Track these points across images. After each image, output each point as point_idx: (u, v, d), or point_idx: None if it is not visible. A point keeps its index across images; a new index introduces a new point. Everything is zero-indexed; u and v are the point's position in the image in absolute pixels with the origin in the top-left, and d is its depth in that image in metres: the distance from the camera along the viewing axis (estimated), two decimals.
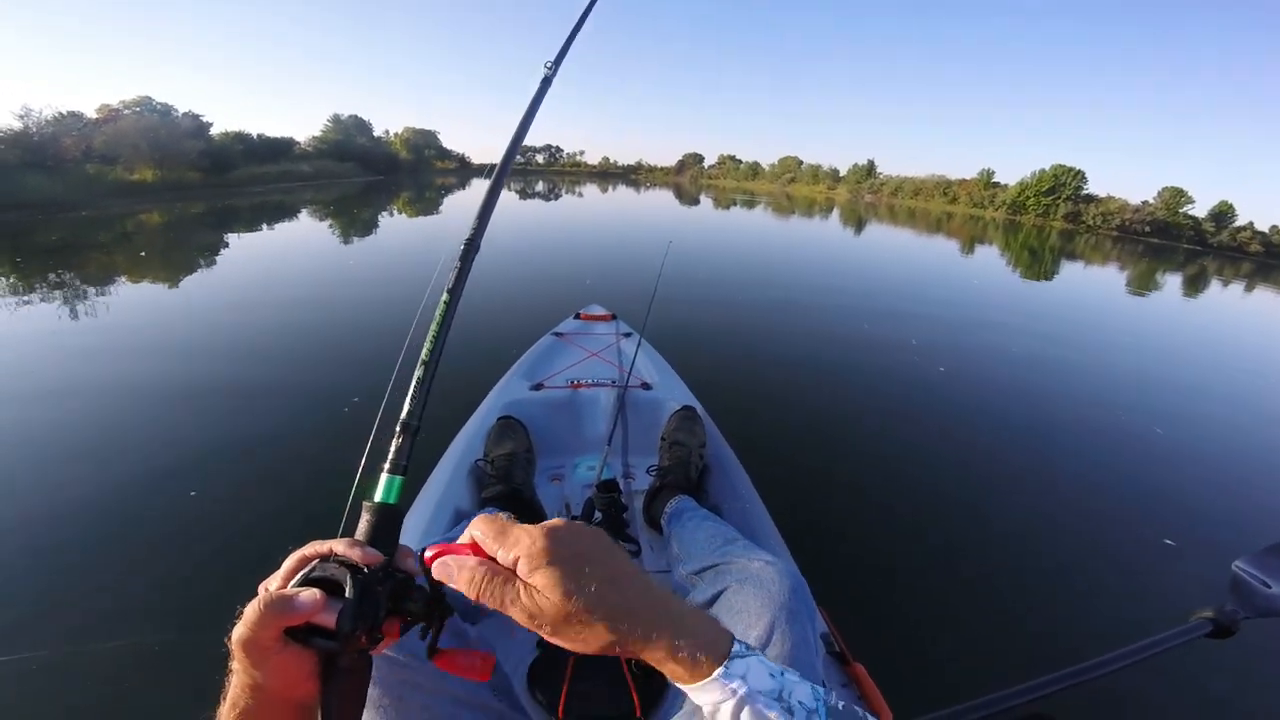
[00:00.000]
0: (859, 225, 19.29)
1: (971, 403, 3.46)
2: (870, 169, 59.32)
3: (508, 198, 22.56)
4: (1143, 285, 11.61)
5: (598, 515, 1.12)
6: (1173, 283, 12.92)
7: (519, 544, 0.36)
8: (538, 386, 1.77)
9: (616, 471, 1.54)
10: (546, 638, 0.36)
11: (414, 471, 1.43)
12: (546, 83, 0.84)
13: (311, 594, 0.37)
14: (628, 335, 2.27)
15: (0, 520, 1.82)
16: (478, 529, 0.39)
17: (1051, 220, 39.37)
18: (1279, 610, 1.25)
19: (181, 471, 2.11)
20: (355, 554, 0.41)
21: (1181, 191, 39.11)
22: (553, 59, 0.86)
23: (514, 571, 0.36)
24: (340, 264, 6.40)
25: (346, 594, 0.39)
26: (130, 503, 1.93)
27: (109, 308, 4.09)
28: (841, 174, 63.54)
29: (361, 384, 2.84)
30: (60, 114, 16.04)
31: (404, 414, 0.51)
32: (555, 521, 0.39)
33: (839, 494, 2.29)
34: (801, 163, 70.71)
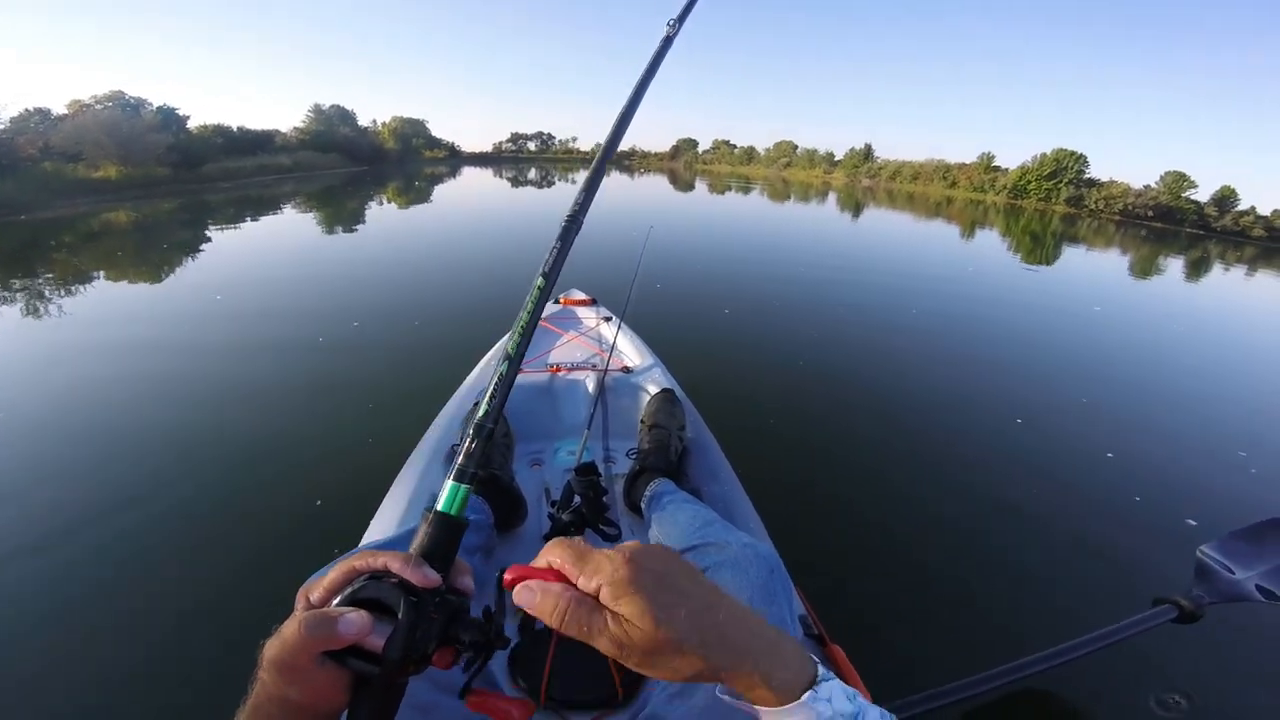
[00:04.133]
0: (855, 210, 18.93)
1: (953, 385, 3.43)
2: (867, 153, 58.39)
3: (496, 184, 22.20)
4: (1144, 269, 11.37)
5: (577, 500, 1.08)
6: (1174, 266, 12.72)
7: (601, 570, 0.35)
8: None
9: (597, 455, 1.51)
10: (633, 668, 0.35)
11: (394, 455, 1.36)
12: (668, 42, 0.78)
13: (359, 617, 0.35)
14: (608, 319, 2.26)
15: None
16: (555, 554, 0.37)
17: (1054, 204, 38.77)
18: (1243, 596, 1.28)
19: (216, 470, 2.09)
20: (413, 575, 0.38)
21: (1184, 176, 38.50)
22: (675, 16, 0.81)
23: (597, 599, 0.35)
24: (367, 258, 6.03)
25: (399, 617, 0.36)
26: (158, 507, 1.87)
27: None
28: (838, 158, 62.54)
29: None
30: (26, 110, 15.39)
31: (479, 415, 0.46)
32: (634, 544, 0.37)
33: (818, 476, 2.29)
34: (797, 147, 69.59)
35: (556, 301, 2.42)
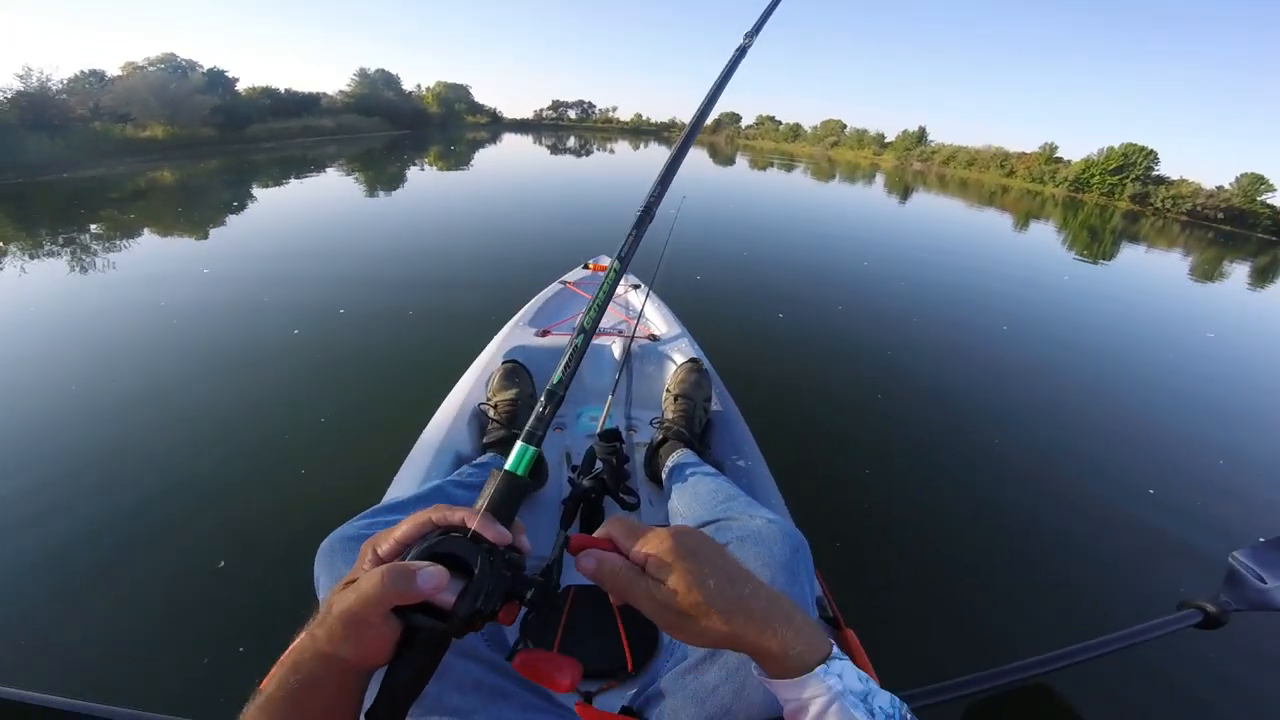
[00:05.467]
0: (903, 193, 18.26)
1: (983, 378, 3.36)
2: (921, 136, 55.83)
3: (534, 151, 22.01)
4: (1204, 272, 10.57)
5: (599, 465, 1.06)
6: (1239, 271, 11.74)
7: (649, 543, 0.40)
8: (544, 333, 1.74)
9: (620, 422, 1.49)
10: (667, 630, 0.39)
11: (419, 417, 1.41)
12: (741, 53, 0.80)
13: (439, 572, 0.36)
14: (637, 287, 2.22)
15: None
16: (614, 528, 0.43)
17: (1116, 200, 36.56)
18: (1272, 605, 1.21)
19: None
20: (490, 532, 0.39)
21: (1262, 178, 35.68)
22: (751, 28, 0.82)
23: (643, 568, 0.40)
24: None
25: (475, 573, 0.37)
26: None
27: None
28: (888, 139, 60.01)
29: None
30: (81, 72, 15.81)
31: (552, 381, 0.49)
32: (681, 526, 0.43)
33: (841, 457, 2.25)
34: (845, 126, 66.95)
35: (586, 267, 2.40)
